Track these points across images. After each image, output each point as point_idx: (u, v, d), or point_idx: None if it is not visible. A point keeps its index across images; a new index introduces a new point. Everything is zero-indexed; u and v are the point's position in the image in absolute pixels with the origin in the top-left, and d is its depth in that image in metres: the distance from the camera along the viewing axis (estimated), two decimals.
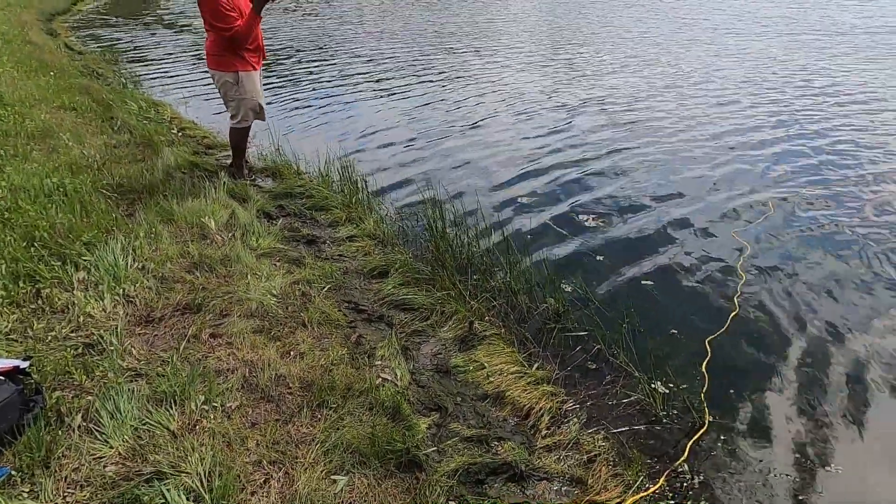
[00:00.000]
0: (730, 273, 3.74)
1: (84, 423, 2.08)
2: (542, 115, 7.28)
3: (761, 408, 2.63)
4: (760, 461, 2.34)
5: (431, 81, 9.04)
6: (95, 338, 2.54)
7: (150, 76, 9.12)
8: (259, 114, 4.61)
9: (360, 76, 9.35)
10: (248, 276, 3.22)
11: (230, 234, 3.72)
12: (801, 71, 9.64)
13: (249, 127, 4.68)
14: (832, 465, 2.33)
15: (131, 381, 2.32)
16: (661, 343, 3.02)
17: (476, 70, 9.91)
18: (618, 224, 4.38)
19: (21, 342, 2.47)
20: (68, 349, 2.45)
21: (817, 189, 5.03)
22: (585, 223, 4.39)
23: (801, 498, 2.19)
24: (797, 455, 2.38)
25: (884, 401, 2.70)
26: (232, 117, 4.56)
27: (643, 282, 3.61)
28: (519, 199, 4.81)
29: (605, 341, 2.96)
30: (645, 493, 2.11)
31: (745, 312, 3.32)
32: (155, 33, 13.48)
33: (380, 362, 2.67)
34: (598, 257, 3.90)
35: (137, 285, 2.98)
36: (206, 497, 1.84)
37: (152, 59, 10.48)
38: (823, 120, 7.02)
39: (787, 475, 2.28)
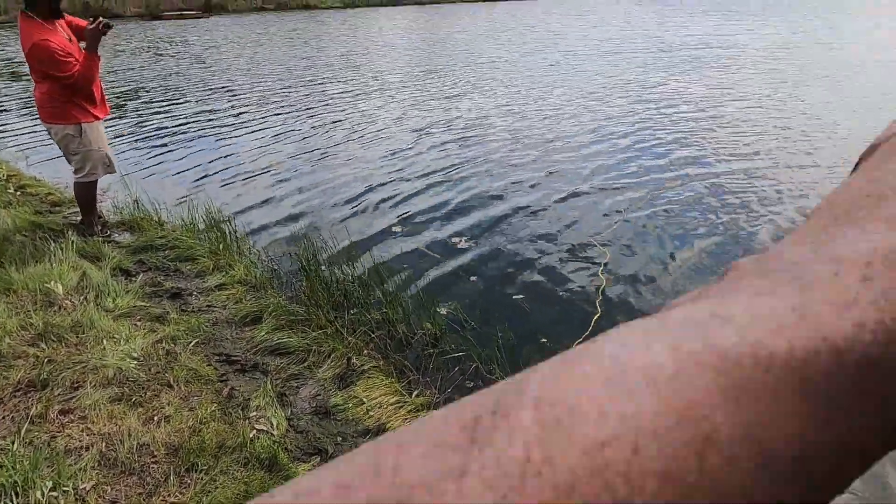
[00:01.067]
0: (592, 278, 4.02)
1: None
2: (405, 142, 7.46)
3: None
4: None
5: (292, 116, 8.97)
6: None
7: None
8: (108, 166, 4.33)
9: (219, 116, 9.06)
10: (104, 341, 2.99)
11: (82, 298, 3.44)
12: (639, 86, 10.67)
13: (97, 180, 4.37)
14: None
15: None
16: (533, 352, 3.18)
17: (337, 102, 9.97)
18: (487, 243, 4.57)
19: None
20: None
21: (665, 188, 5.57)
22: (458, 246, 4.53)
23: None
24: None
25: None
26: (76, 171, 4.24)
27: (514, 296, 3.79)
28: (392, 228, 4.88)
29: (480, 359, 3.06)
30: None
31: (607, 314, 3.58)
32: None
33: (255, 413, 2.58)
34: (471, 278, 4.04)
35: None
36: None
37: None
38: (663, 127, 7.81)
39: None
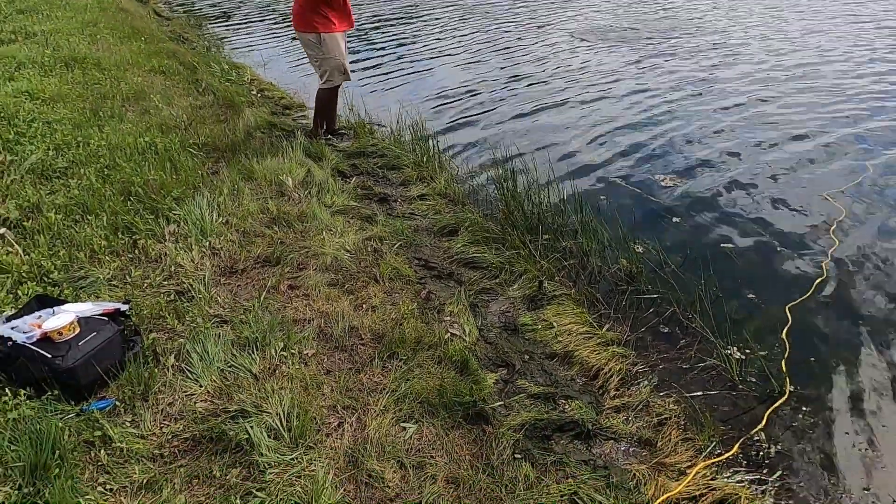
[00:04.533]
0: (819, 237, 3.51)
1: (177, 363, 2.26)
2: (622, 77, 6.97)
3: (847, 380, 2.49)
4: (845, 434, 2.23)
5: (506, 46, 8.82)
6: (185, 286, 2.72)
7: (232, 39, 9.40)
8: (343, 74, 4.64)
9: (435, 40, 9.25)
10: (323, 232, 3.33)
11: (306, 192, 3.85)
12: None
13: (337, 88, 4.72)
14: None
15: (218, 327, 2.49)
16: (739, 308, 2.90)
17: (548, 33, 9.58)
18: (696, 184, 4.18)
19: (121, 288, 2.68)
20: (162, 296, 2.64)
21: None
22: (661, 183, 4.21)
23: (887, 472, 2.07)
24: (884, 429, 2.25)
25: None
26: (320, 77, 4.62)
27: (722, 244, 3.45)
28: (593, 159, 4.67)
29: (679, 304, 2.87)
30: (718, 459, 2.06)
31: (833, 279, 3.12)
32: None
33: (448, 318, 2.72)
34: (674, 218, 3.75)
35: (222, 238, 3.15)
36: (286, 435, 1.96)
37: (234, 22, 10.78)
38: None
39: (870, 449, 2.16)
